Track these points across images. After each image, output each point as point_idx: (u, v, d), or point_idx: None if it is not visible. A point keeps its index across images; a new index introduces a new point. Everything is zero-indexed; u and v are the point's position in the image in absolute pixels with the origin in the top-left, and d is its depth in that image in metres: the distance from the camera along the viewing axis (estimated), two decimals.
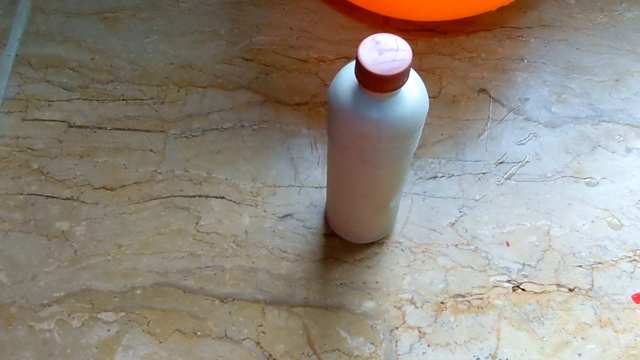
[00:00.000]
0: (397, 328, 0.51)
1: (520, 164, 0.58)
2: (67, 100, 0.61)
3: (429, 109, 0.41)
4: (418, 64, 0.63)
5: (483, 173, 0.58)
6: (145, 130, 0.60)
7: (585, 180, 0.58)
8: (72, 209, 0.55)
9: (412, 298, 0.52)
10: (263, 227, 0.55)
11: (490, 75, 0.63)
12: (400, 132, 0.38)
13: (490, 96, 0.62)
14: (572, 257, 0.54)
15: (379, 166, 0.42)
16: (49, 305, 0.51)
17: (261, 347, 0.50)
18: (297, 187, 0.57)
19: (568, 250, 0.54)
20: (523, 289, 0.52)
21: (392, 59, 0.35)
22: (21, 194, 0.56)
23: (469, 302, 0.52)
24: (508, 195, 0.57)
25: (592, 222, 0.55)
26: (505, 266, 0.53)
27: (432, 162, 0.58)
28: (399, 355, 0.50)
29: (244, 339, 0.50)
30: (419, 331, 0.50)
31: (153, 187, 0.57)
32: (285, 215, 0.55)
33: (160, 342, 0.50)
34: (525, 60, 0.64)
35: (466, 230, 0.55)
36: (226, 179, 0.57)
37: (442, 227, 0.55)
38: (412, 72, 0.38)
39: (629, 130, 0.60)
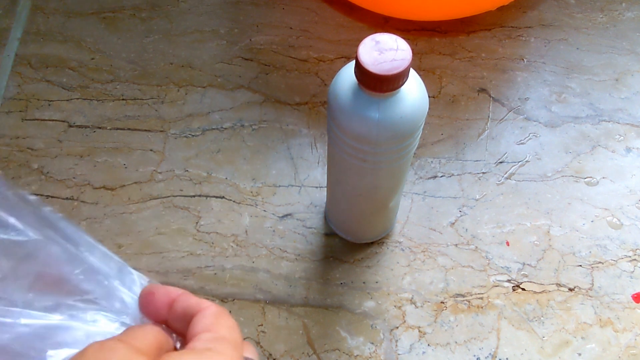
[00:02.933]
0: (397, 328, 0.51)
1: (520, 163, 0.58)
2: (67, 100, 0.61)
3: (429, 108, 0.41)
4: (418, 63, 0.63)
5: (483, 173, 0.58)
6: (145, 130, 0.60)
7: (585, 179, 0.58)
8: (72, 209, 0.55)
9: (412, 298, 0.52)
10: (263, 226, 0.55)
11: (490, 74, 0.63)
12: (400, 132, 0.38)
13: (490, 96, 0.62)
14: (572, 256, 0.54)
15: (379, 166, 0.42)
16: None
17: (261, 347, 0.50)
18: (297, 187, 0.57)
19: (568, 250, 0.54)
20: (523, 289, 0.52)
21: (392, 58, 0.35)
22: None
23: (469, 301, 0.52)
24: (508, 194, 0.57)
25: (592, 221, 0.55)
26: (505, 266, 0.53)
27: (432, 161, 0.58)
28: (399, 354, 0.50)
29: (244, 339, 0.50)
30: (419, 331, 0.50)
31: (153, 186, 0.57)
32: (285, 215, 0.55)
33: None
34: (525, 60, 0.64)
35: (466, 230, 0.55)
36: (226, 178, 0.57)
37: (442, 227, 0.55)
38: (412, 72, 0.38)
39: (629, 130, 0.60)
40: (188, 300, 0.31)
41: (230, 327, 0.30)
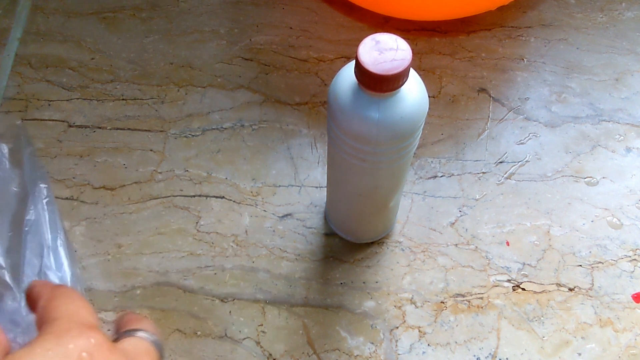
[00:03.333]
0: (397, 328, 0.51)
1: (520, 163, 0.58)
2: (67, 100, 0.61)
3: (429, 108, 0.41)
4: (418, 63, 0.63)
5: (483, 172, 0.58)
6: (145, 130, 0.60)
7: (585, 179, 0.58)
8: (72, 209, 0.55)
9: (412, 298, 0.52)
10: (263, 226, 0.55)
11: (490, 74, 0.63)
12: (400, 132, 0.38)
13: (490, 96, 0.62)
14: (572, 256, 0.54)
15: (379, 166, 0.42)
16: None
17: (261, 347, 0.50)
18: (297, 187, 0.57)
19: (568, 250, 0.54)
20: (523, 289, 0.52)
21: (392, 58, 0.35)
22: None
23: (469, 301, 0.52)
24: (508, 194, 0.57)
25: (592, 221, 0.55)
26: (505, 266, 0.53)
27: (432, 161, 0.58)
28: (399, 354, 0.50)
29: (244, 339, 0.50)
30: (419, 331, 0.50)
31: (153, 186, 0.57)
32: (285, 215, 0.55)
33: None
34: (525, 60, 0.64)
35: (466, 230, 0.55)
36: (226, 178, 0.57)
37: (442, 227, 0.55)
38: (412, 72, 0.38)
39: (629, 130, 0.60)
40: (33, 290, 0.31)
41: (63, 306, 0.29)
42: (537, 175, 0.58)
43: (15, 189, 0.33)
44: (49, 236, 0.35)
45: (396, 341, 0.50)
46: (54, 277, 0.34)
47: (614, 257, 0.54)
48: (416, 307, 0.51)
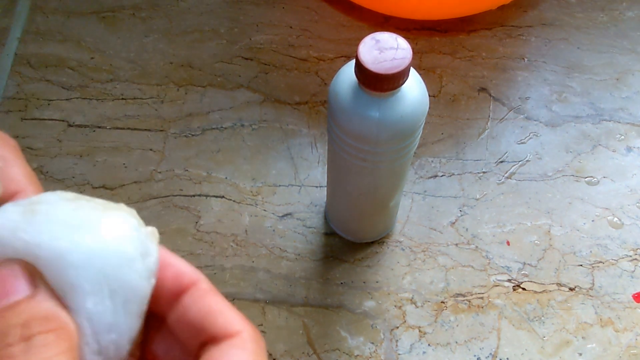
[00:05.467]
0: (398, 327, 0.50)
1: (520, 163, 0.58)
2: (67, 100, 0.61)
3: (429, 108, 0.40)
4: (418, 62, 0.63)
5: (483, 172, 0.58)
6: (145, 130, 0.59)
7: (586, 179, 0.57)
8: None
9: (412, 297, 0.52)
10: (263, 226, 0.55)
11: (490, 74, 0.63)
12: (401, 132, 0.38)
13: (490, 95, 0.62)
14: (572, 256, 0.54)
15: (379, 166, 0.41)
16: None
17: None
18: (297, 187, 0.57)
19: (569, 250, 0.54)
20: (523, 288, 0.52)
21: (392, 57, 0.35)
22: None
23: (470, 301, 0.52)
24: (508, 194, 0.56)
25: (592, 221, 0.55)
26: (505, 265, 0.53)
27: (432, 161, 0.58)
28: (399, 354, 0.49)
29: None
30: (419, 331, 0.50)
31: (153, 186, 0.57)
32: (285, 215, 0.55)
33: None
34: (525, 59, 0.64)
35: (466, 230, 0.55)
36: (226, 178, 0.57)
37: (442, 227, 0.55)
38: (412, 71, 0.38)
39: (629, 129, 0.60)
40: (209, 303, 0.21)
41: None
42: (538, 174, 0.58)
43: None
44: None
45: (396, 341, 0.50)
46: None
47: (615, 256, 0.54)
48: (416, 307, 0.51)
